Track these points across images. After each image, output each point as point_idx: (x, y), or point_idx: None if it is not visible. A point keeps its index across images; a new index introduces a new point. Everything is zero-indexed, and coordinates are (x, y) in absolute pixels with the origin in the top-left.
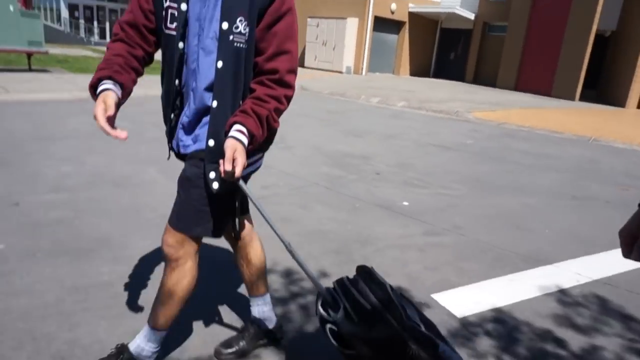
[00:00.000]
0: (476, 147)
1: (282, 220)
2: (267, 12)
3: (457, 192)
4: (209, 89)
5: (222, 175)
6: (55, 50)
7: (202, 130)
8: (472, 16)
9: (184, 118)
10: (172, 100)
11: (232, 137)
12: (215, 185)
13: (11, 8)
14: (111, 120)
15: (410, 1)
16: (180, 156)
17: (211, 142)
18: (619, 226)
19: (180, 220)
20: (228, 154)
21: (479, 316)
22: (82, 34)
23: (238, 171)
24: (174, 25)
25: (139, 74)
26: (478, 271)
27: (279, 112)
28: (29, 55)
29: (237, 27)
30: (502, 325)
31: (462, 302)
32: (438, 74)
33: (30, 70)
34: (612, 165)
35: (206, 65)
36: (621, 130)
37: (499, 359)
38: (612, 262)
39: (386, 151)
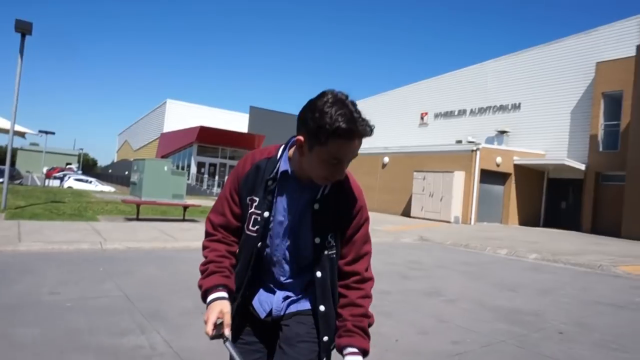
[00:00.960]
0: None
1: None
2: (350, 226)
3: None
4: (308, 285)
5: None
6: (188, 201)
7: (300, 304)
8: (582, 167)
9: (279, 295)
10: (242, 283)
11: None
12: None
13: (165, 168)
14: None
15: (514, 154)
16: (260, 320)
17: (322, 308)
18: None
19: None
20: None
21: None
22: (204, 186)
23: None
24: (255, 228)
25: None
26: None
27: (369, 305)
28: (185, 207)
29: (329, 242)
30: None
31: None
32: (549, 224)
33: (184, 220)
34: None
35: (303, 267)
36: None
37: None
38: None
39: (552, 308)
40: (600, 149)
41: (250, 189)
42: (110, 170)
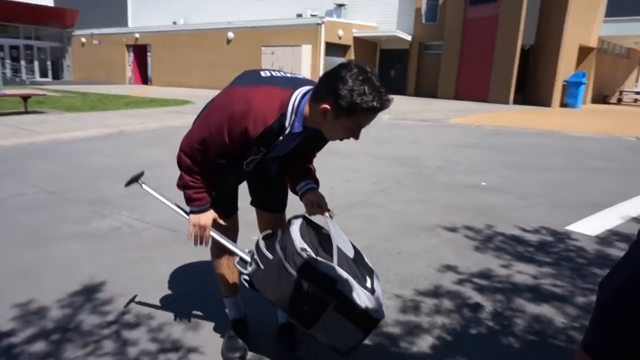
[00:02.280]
0: (483, 144)
1: (420, 202)
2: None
3: (511, 174)
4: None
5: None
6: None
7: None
8: (409, 37)
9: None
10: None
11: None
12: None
13: None
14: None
15: (353, 27)
16: None
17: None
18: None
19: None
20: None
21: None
22: (8, 73)
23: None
24: (252, 166)
25: None
26: (572, 216)
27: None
28: (26, 98)
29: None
30: None
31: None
32: None
33: (27, 112)
34: (585, 147)
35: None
36: (571, 124)
37: None
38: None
39: (423, 152)
40: (424, 21)
41: (260, 145)
42: None
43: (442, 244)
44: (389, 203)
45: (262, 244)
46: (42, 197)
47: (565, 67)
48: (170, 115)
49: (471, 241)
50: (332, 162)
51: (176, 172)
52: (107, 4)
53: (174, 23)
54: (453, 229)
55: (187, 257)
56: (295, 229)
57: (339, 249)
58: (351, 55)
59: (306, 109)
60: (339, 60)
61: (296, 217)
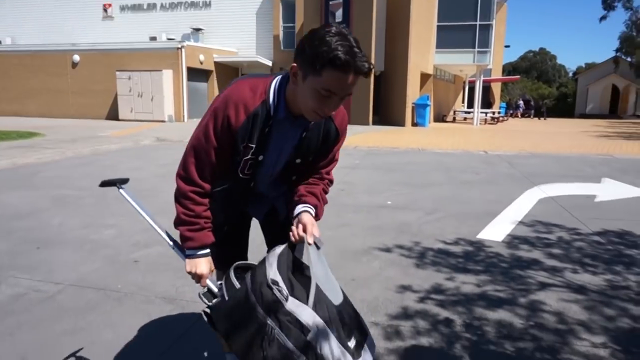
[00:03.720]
0: (367, 164)
1: (343, 226)
2: (329, 149)
3: (406, 191)
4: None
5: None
6: None
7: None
8: (269, 63)
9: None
10: (236, 210)
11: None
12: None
13: None
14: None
15: (214, 52)
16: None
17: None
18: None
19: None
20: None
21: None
22: None
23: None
24: (250, 172)
25: None
26: (476, 225)
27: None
28: None
29: (308, 160)
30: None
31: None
32: None
33: None
34: (450, 162)
35: (281, 181)
36: (429, 142)
37: None
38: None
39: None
40: (282, 48)
41: (246, 137)
42: None
43: (385, 266)
44: None
45: (232, 273)
46: None
47: (412, 91)
48: (21, 151)
49: (409, 259)
50: None
51: (63, 218)
52: None
53: None
54: (387, 250)
55: (131, 317)
56: (273, 256)
57: (318, 289)
58: (214, 80)
59: (288, 91)
60: (202, 85)
61: (279, 245)
